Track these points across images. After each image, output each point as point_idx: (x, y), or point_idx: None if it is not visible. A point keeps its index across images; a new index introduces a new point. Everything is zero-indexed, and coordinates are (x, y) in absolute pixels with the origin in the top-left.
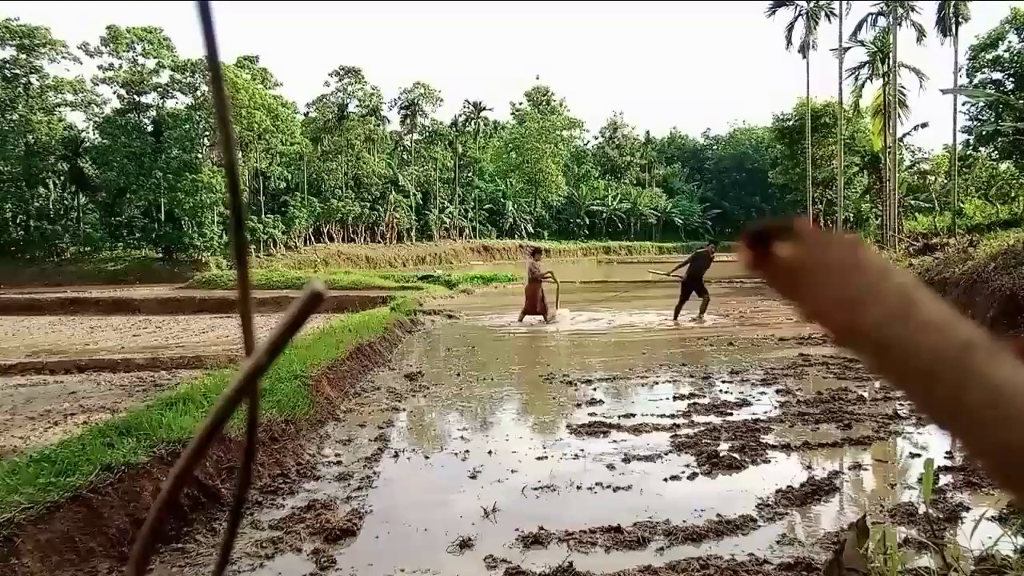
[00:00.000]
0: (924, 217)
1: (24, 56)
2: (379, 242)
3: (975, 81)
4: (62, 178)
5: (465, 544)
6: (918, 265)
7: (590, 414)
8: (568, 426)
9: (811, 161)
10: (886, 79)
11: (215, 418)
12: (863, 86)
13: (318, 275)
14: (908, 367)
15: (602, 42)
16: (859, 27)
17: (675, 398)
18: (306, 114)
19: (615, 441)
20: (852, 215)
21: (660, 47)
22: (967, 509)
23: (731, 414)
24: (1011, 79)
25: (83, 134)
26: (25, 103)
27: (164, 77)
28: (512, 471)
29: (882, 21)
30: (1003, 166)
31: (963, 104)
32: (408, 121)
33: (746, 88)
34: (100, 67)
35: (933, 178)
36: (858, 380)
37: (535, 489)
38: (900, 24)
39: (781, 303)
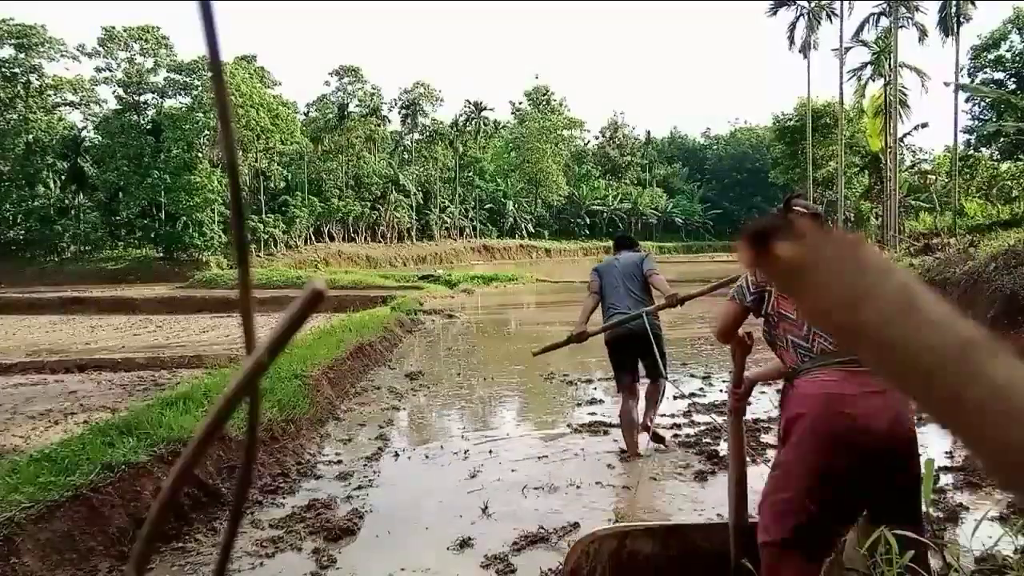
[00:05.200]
0: (927, 216)
1: (22, 55)
2: (380, 242)
3: (976, 81)
4: (62, 177)
5: (465, 543)
6: (918, 265)
7: (590, 413)
8: (568, 425)
9: (812, 161)
10: (887, 79)
11: (216, 417)
12: (865, 85)
13: (319, 274)
14: (908, 365)
15: (602, 42)
16: (861, 27)
17: (675, 397)
18: (306, 114)
19: (616, 440)
20: (852, 215)
21: (660, 47)
22: (967, 509)
23: None
24: (1013, 79)
25: (83, 133)
26: (24, 102)
27: (162, 76)
28: (512, 470)
29: (884, 21)
30: (1004, 166)
31: (965, 103)
32: (408, 121)
33: (746, 88)
34: (97, 68)
35: (934, 178)
36: None
37: (535, 488)
38: (902, 24)
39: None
